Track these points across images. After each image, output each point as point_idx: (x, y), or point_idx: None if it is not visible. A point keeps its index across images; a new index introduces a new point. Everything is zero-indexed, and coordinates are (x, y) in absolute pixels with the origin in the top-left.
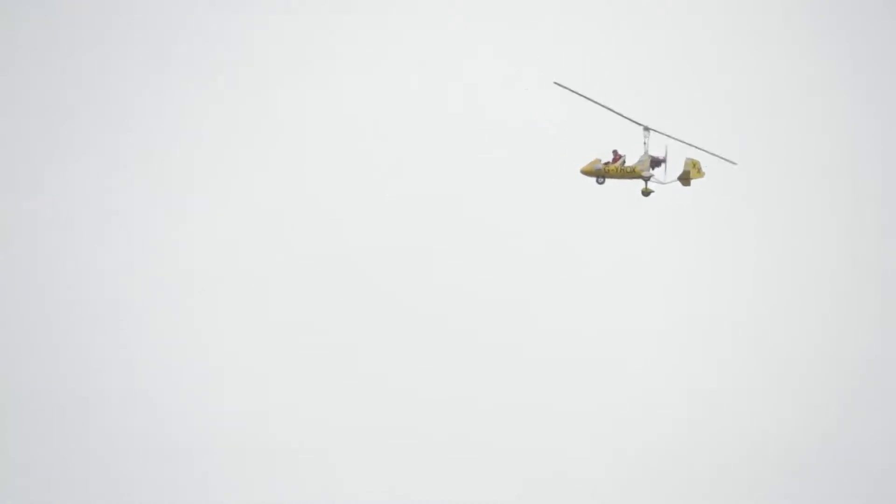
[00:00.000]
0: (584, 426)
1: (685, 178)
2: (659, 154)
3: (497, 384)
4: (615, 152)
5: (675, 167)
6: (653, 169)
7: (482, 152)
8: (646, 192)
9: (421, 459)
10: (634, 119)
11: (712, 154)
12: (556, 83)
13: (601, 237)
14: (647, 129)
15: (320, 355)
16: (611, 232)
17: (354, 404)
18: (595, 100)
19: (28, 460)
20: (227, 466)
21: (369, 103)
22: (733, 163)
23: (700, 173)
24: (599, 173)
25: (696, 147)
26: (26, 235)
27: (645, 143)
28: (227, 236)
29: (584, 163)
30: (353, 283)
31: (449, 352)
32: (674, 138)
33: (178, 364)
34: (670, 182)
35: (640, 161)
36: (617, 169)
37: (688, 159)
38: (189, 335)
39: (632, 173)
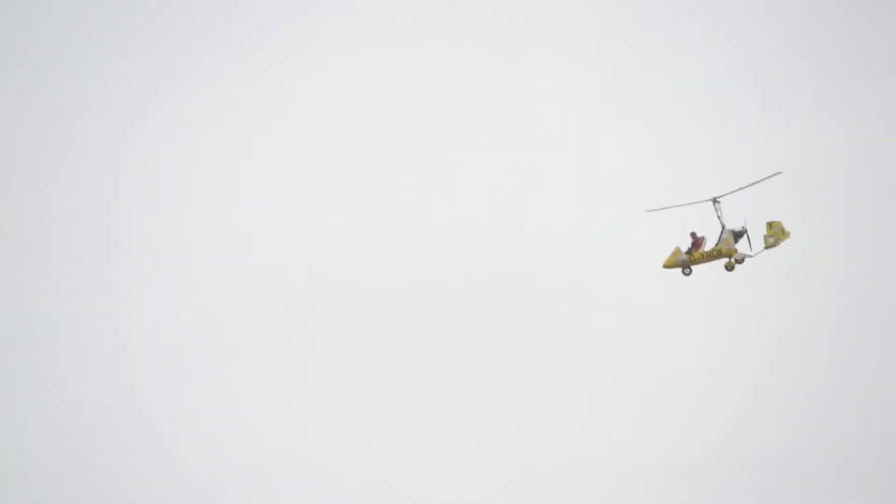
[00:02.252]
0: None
1: (775, 244)
2: (735, 226)
3: (493, 382)
4: (693, 235)
5: (755, 235)
6: (736, 242)
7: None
8: (730, 267)
9: (415, 455)
10: (700, 200)
11: (760, 181)
12: (648, 211)
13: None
14: (715, 200)
15: (312, 355)
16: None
17: (350, 405)
18: (686, 202)
19: (28, 462)
20: (224, 469)
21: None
22: (778, 173)
23: (786, 234)
24: (685, 264)
25: (746, 186)
26: (28, 236)
27: (719, 217)
28: (229, 236)
29: (665, 256)
30: (351, 285)
31: (444, 353)
32: (747, 187)
33: (178, 366)
34: (758, 253)
35: (723, 240)
36: (703, 255)
37: (768, 224)
38: (189, 336)
39: (719, 255)
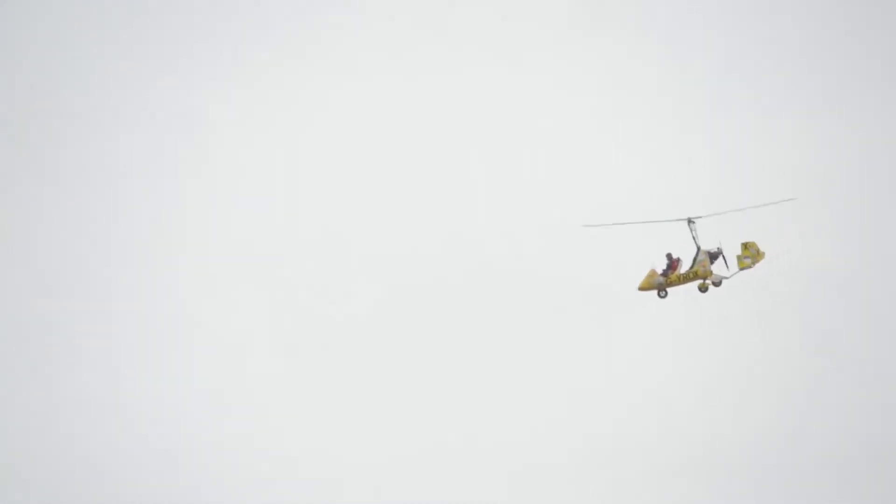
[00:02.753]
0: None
1: (751, 265)
2: (711, 247)
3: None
4: (669, 256)
5: (730, 255)
6: (712, 264)
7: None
8: (704, 288)
9: (407, 460)
10: (673, 218)
11: (772, 203)
12: (585, 226)
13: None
14: (690, 220)
15: (310, 357)
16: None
17: (349, 407)
18: (629, 221)
19: (26, 463)
20: (224, 471)
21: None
22: (793, 199)
23: (761, 255)
24: (662, 286)
25: (754, 207)
26: (29, 235)
27: (694, 238)
28: (230, 237)
29: (640, 278)
30: (352, 285)
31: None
32: (724, 212)
33: (179, 367)
34: (734, 274)
35: (699, 262)
36: (679, 277)
37: (744, 244)
38: (191, 336)
39: (695, 277)
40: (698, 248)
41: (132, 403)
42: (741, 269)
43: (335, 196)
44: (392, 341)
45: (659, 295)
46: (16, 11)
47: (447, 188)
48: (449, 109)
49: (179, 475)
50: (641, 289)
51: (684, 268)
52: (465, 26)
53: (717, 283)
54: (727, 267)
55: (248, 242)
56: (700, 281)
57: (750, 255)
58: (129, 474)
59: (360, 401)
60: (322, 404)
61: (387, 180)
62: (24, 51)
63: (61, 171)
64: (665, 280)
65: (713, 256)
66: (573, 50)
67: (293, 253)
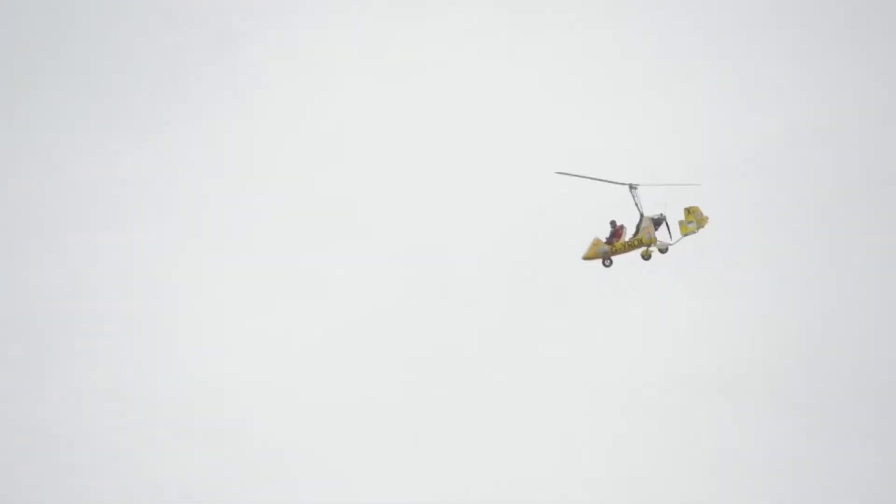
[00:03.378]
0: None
1: (695, 230)
2: (654, 213)
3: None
4: (614, 224)
5: (673, 222)
6: (656, 230)
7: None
8: (647, 256)
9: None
10: (617, 181)
11: (679, 185)
12: (558, 172)
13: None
14: (632, 186)
15: (310, 358)
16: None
17: (340, 407)
18: (599, 178)
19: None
20: (223, 471)
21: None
22: (697, 184)
23: (704, 219)
24: (606, 254)
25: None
26: (28, 234)
27: (637, 205)
28: (233, 238)
29: (584, 247)
30: (352, 285)
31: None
32: (665, 185)
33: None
34: (678, 241)
35: (643, 229)
36: (624, 244)
37: (687, 210)
38: (187, 334)
39: (640, 244)
40: (641, 215)
41: (131, 402)
42: (685, 234)
43: (335, 195)
44: (390, 340)
45: (604, 264)
46: (14, 12)
47: (444, 184)
48: (445, 104)
49: (179, 475)
50: (586, 258)
51: (628, 235)
52: (464, 21)
53: (662, 250)
54: (671, 234)
55: (247, 242)
56: (644, 248)
57: (694, 219)
58: (128, 474)
59: (359, 400)
60: (323, 405)
61: (385, 178)
62: (23, 52)
63: (60, 170)
64: (610, 248)
65: (657, 223)
66: (572, 43)
67: (293, 252)
